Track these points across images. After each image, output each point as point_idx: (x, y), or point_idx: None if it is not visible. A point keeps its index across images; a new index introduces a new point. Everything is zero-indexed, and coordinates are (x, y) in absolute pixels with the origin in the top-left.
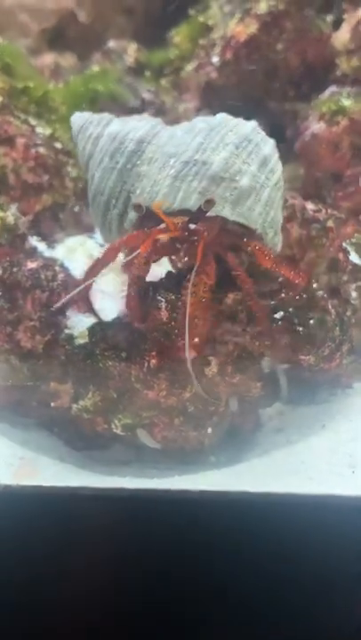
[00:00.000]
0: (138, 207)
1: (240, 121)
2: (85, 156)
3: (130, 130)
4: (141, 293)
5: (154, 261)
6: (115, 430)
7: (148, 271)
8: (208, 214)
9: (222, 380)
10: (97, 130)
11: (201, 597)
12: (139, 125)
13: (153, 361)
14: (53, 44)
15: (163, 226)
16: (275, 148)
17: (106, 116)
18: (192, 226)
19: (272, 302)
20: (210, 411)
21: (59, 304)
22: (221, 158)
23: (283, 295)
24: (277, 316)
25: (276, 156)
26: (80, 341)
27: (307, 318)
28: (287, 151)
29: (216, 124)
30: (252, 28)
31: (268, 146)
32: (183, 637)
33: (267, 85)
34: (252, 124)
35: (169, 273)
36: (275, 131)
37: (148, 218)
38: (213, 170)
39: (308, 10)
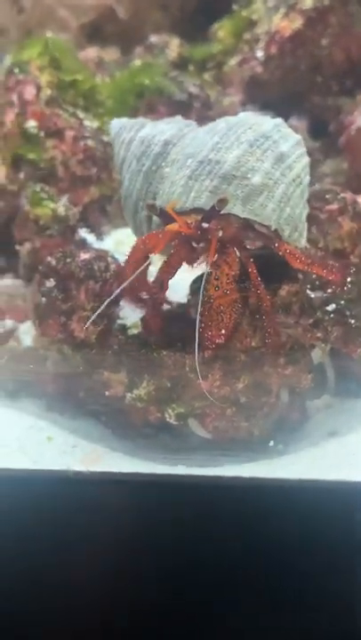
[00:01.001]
0: (151, 207)
1: (263, 119)
2: (120, 160)
3: (157, 132)
4: (159, 304)
5: (176, 266)
6: (168, 419)
7: (173, 274)
8: (222, 213)
9: (274, 372)
10: (130, 134)
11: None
12: (166, 128)
13: (208, 351)
14: (92, 38)
15: (175, 225)
16: (297, 144)
17: (140, 120)
18: (205, 225)
19: (324, 295)
20: (262, 402)
21: (99, 310)
22: (234, 156)
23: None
24: (329, 308)
25: (297, 152)
26: (133, 331)
27: (359, 311)
28: (330, 146)
29: (235, 122)
30: (297, 23)
31: (289, 142)
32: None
33: (311, 80)
34: (277, 121)
35: None
36: (318, 125)
37: (170, 220)
38: (225, 169)
39: (352, 5)
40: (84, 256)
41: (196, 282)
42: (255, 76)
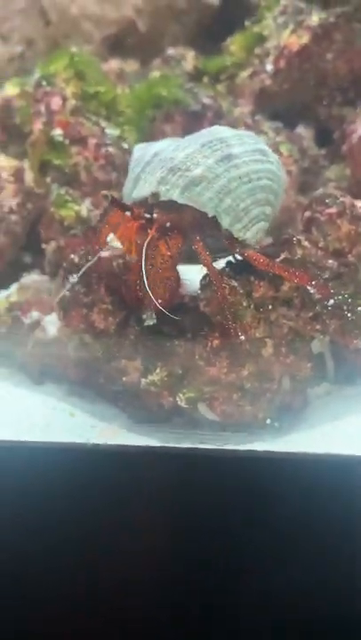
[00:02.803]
0: (105, 197)
1: (230, 129)
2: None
3: (154, 146)
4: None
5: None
6: (179, 403)
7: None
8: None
9: (277, 360)
10: (139, 153)
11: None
12: (163, 142)
13: (216, 341)
14: (113, 50)
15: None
16: (258, 151)
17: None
18: (148, 215)
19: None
20: (265, 387)
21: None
22: (185, 154)
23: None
24: (328, 302)
25: (254, 157)
26: (149, 323)
27: (356, 305)
28: (334, 153)
29: (207, 131)
30: (305, 38)
31: (244, 147)
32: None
33: (316, 92)
34: (245, 132)
35: (229, 263)
36: (323, 134)
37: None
38: (174, 163)
39: (356, 23)
40: (104, 254)
41: (204, 278)
42: (265, 87)
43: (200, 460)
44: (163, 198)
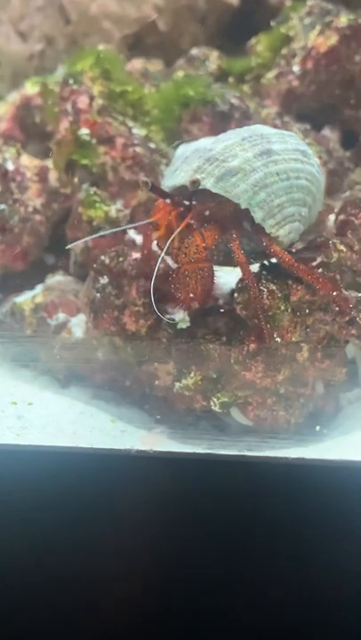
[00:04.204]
0: (144, 183)
1: (272, 129)
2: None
3: (196, 143)
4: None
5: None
6: (213, 407)
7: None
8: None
9: (311, 365)
10: (181, 150)
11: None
12: (205, 139)
13: (252, 345)
14: (133, 50)
15: (161, 201)
16: (298, 151)
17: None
18: (187, 202)
19: (359, 295)
20: (299, 392)
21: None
22: (223, 145)
23: None
24: None
25: (293, 155)
26: (182, 326)
27: None
28: (360, 155)
29: (247, 128)
30: (333, 39)
31: (285, 145)
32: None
33: (343, 94)
34: (286, 132)
35: (265, 266)
36: (349, 136)
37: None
38: (212, 153)
39: None
40: (135, 255)
41: (241, 281)
42: (291, 88)
43: (241, 466)
44: (200, 187)
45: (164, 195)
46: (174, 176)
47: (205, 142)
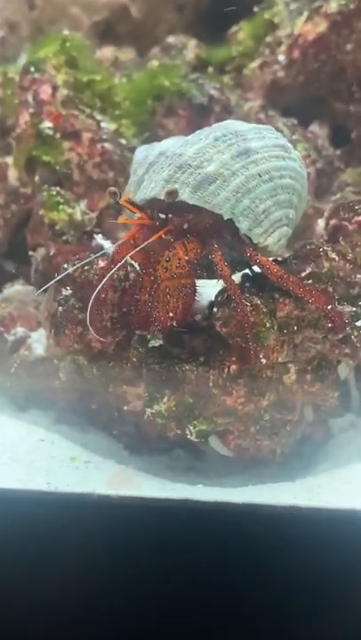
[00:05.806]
0: (113, 194)
1: (245, 123)
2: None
3: (158, 145)
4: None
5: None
6: (189, 437)
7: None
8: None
9: (300, 388)
10: (142, 154)
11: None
12: (168, 141)
13: (233, 367)
14: (104, 38)
15: (137, 216)
16: (277, 146)
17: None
18: (163, 215)
19: (353, 309)
20: (286, 419)
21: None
22: (195, 149)
23: None
24: (358, 323)
25: (274, 152)
26: (154, 344)
27: None
28: (352, 154)
29: (217, 125)
30: (322, 26)
31: (264, 142)
32: None
33: (333, 86)
34: (262, 126)
35: (249, 276)
36: (339, 132)
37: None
38: (183, 159)
39: None
40: (102, 264)
41: (221, 294)
42: (276, 80)
43: (219, 514)
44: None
45: (135, 208)
46: (143, 187)
47: (171, 144)
